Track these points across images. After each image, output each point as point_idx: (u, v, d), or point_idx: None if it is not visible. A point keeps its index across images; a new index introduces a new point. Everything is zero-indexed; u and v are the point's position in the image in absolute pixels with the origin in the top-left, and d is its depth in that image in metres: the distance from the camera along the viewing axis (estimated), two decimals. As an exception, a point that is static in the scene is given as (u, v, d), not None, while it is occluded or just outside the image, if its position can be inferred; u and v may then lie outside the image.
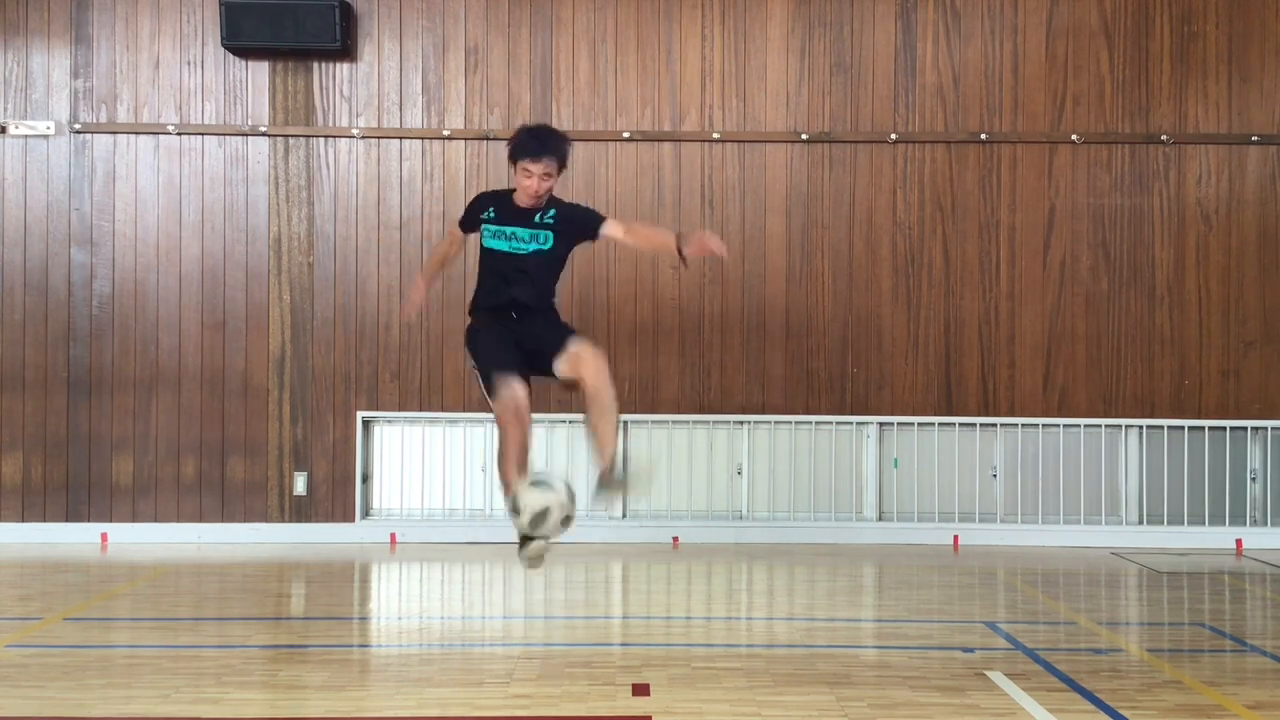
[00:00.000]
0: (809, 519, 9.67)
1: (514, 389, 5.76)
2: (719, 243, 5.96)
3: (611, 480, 5.75)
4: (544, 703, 5.10)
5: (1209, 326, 9.77)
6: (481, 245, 6.17)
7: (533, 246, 6.11)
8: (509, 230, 6.13)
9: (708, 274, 9.70)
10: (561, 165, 6.13)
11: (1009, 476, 9.73)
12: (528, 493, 5.46)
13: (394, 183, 9.71)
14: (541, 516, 5.42)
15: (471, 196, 6.70)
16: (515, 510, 5.50)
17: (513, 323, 6.02)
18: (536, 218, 6.15)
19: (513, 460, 5.75)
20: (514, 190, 6.18)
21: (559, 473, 5.99)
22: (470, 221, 6.30)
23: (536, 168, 6.01)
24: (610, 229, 6.19)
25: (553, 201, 6.20)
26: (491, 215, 6.19)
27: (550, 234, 6.14)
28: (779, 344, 9.68)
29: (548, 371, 6.02)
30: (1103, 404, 9.75)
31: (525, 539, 5.50)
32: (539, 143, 6.10)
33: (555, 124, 9.64)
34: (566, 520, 5.51)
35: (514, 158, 6.10)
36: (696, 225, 5.54)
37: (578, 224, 6.21)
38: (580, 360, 5.87)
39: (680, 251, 5.97)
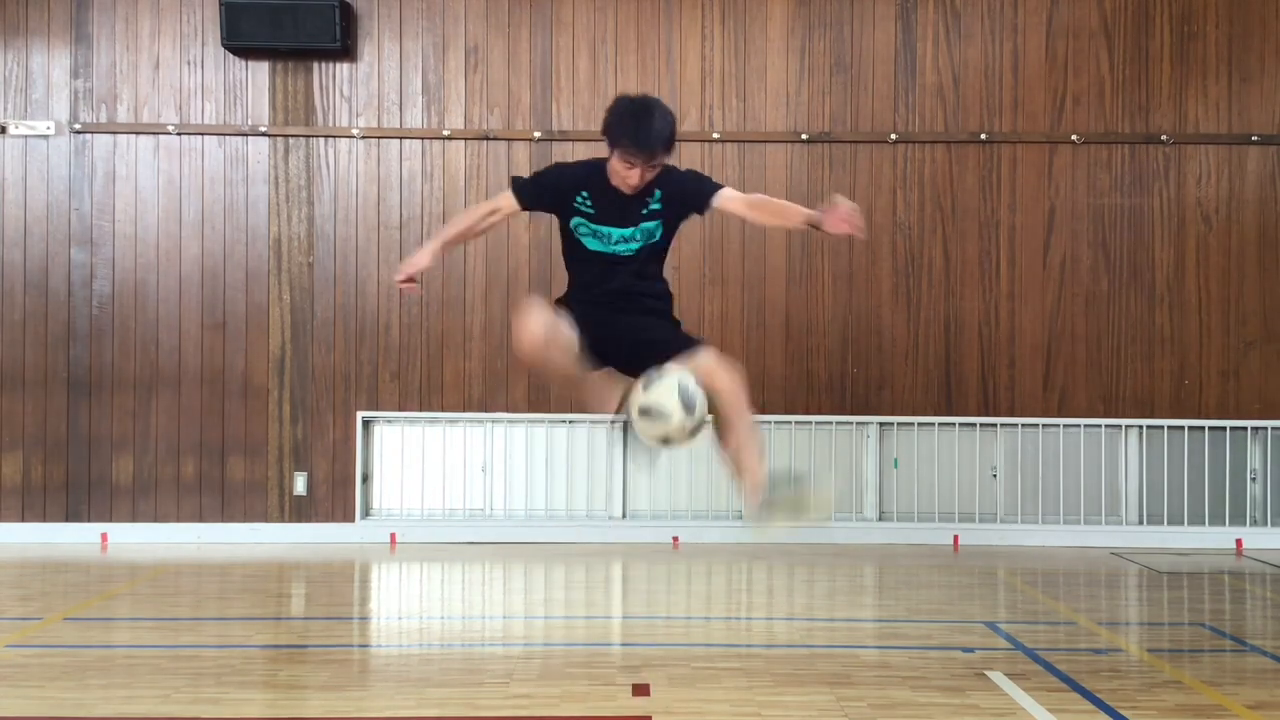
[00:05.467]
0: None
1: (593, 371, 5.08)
2: (859, 222, 4.85)
3: (774, 505, 5.11)
4: (544, 703, 5.09)
5: (1209, 326, 9.77)
6: (570, 232, 5.05)
7: (636, 246, 5.07)
8: (605, 232, 5.01)
9: (708, 274, 9.69)
10: (669, 150, 4.99)
11: (1009, 476, 9.72)
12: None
13: (394, 183, 9.71)
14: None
15: (538, 169, 5.44)
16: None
17: (615, 314, 5.10)
18: (643, 208, 5.04)
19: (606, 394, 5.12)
20: (607, 162, 4.98)
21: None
22: (547, 199, 5.04)
23: (640, 160, 4.86)
24: (727, 202, 5.09)
25: (657, 178, 5.03)
26: (588, 205, 5.00)
27: (658, 224, 5.09)
28: (779, 344, 9.68)
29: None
30: (1103, 404, 9.74)
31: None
32: (648, 135, 4.85)
33: (555, 124, 9.66)
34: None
35: (615, 142, 4.87)
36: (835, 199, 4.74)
37: (689, 202, 5.11)
38: (712, 375, 5.07)
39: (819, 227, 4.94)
